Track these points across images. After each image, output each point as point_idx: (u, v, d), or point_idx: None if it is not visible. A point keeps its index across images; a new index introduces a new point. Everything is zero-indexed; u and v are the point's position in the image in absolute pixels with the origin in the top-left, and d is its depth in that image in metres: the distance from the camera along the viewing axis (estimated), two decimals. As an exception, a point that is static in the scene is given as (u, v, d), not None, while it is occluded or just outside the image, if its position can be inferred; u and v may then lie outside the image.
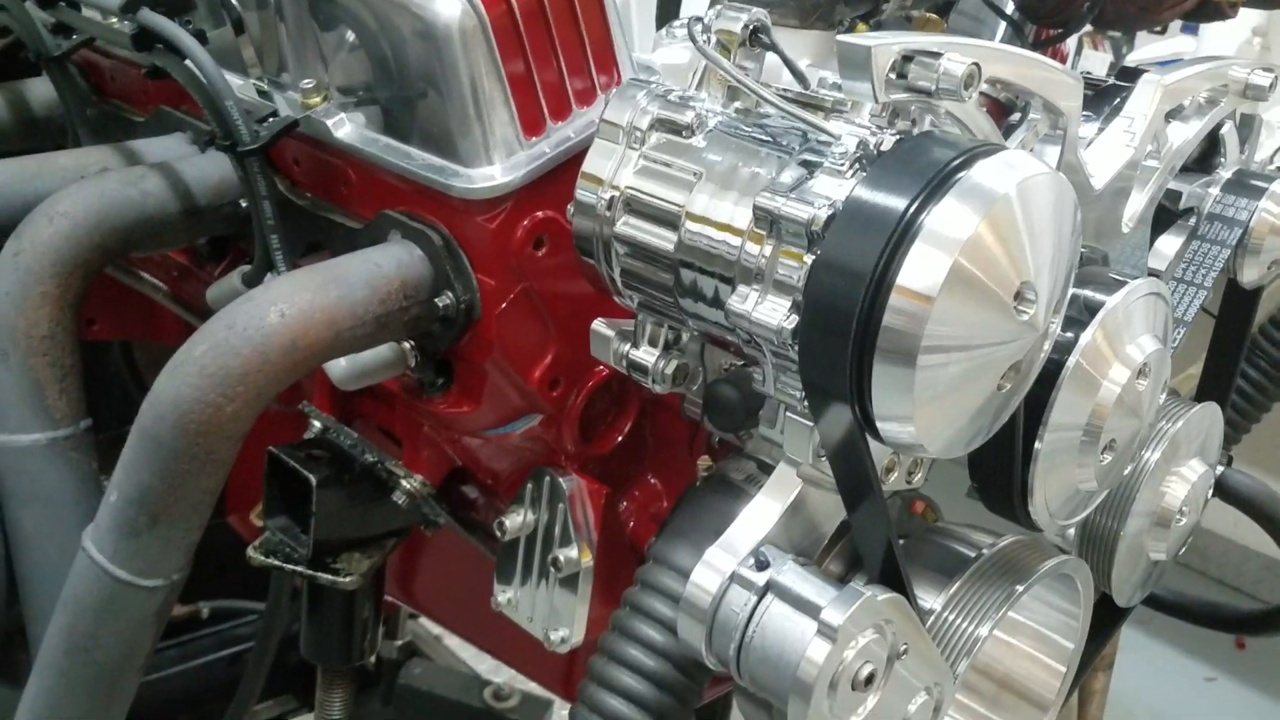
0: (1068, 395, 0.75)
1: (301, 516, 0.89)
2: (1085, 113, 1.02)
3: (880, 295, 0.58)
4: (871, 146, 0.61)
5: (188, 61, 0.80)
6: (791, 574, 0.65)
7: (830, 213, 0.60)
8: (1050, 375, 0.73)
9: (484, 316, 0.77)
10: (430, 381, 0.82)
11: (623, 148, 0.70)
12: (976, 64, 0.62)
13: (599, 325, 0.77)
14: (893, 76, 0.62)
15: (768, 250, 0.62)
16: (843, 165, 0.61)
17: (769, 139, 0.68)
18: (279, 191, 0.85)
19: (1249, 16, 2.88)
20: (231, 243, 0.98)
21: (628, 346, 0.76)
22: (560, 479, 0.86)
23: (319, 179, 0.85)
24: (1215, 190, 0.99)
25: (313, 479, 0.86)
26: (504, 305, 0.77)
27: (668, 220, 0.68)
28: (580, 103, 0.77)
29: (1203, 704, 2.85)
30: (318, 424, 0.95)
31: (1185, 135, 0.95)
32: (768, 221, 0.62)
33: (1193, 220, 0.99)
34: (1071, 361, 0.75)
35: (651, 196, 0.69)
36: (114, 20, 0.86)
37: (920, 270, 0.58)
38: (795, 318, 0.61)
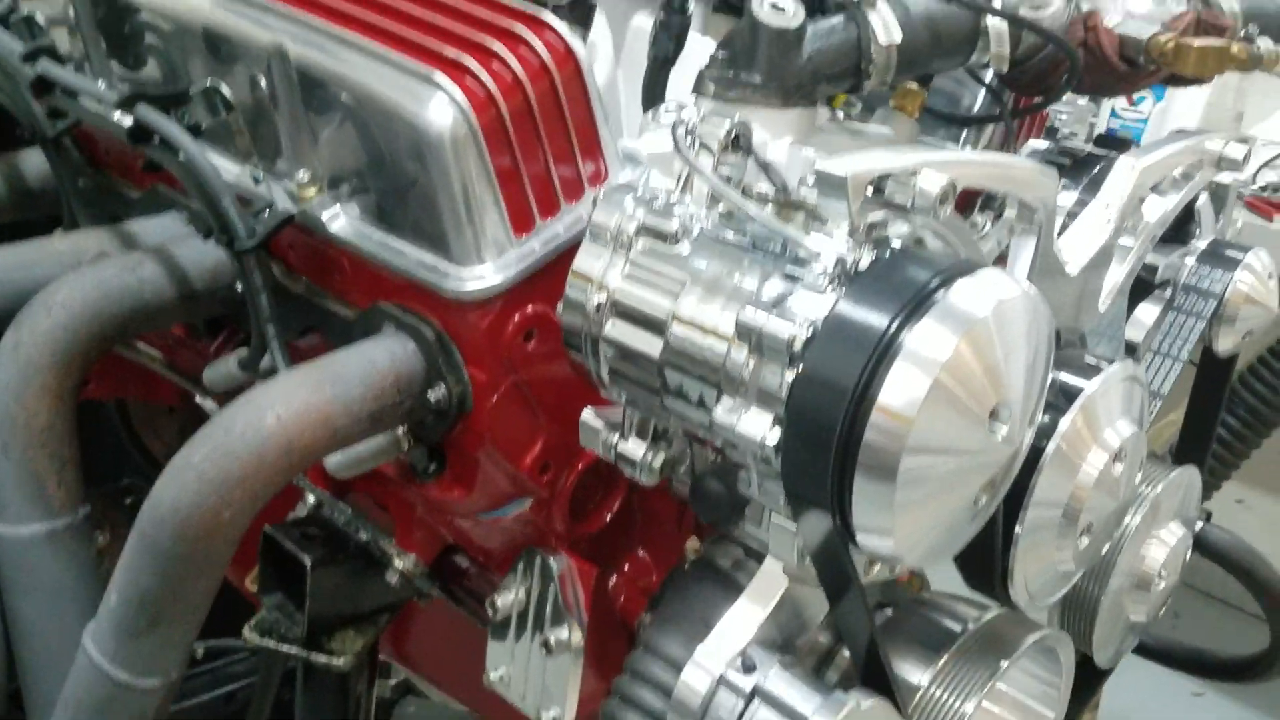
0: (1047, 480, 0.77)
1: (297, 594, 0.91)
2: (1064, 181, 1.04)
3: (862, 412, 0.60)
4: (849, 264, 0.63)
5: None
6: (778, 679, 0.67)
7: (810, 332, 0.62)
8: (1030, 461, 0.75)
9: (476, 409, 0.79)
10: (423, 468, 0.83)
11: (610, 251, 0.72)
12: (951, 182, 0.64)
13: (588, 416, 0.78)
14: (870, 194, 0.64)
15: (751, 363, 0.64)
16: (821, 283, 0.63)
17: (752, 245, 0.69)
18: (274, 278, 0.87)
19: None
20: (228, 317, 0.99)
21: (616, 437, 0.77)
22: (550, 559, 0.87)
23: (313, 266, 0.87)
24: (1191, 261, 1.01)
25: (307, 561, 0.88)
26: (495, 398, 0.79)
27: (654, 326, 0.70)
28: (569, 198, 0.79)
29: (1191, 719, 2.87)
30: (312, 498, 0.96)
31: (1162, 209, 0.97)
32: (750, 336, 0.64)
33: (1169, 291, 1.01)
34: (1051, 447, 0.77)
35: (638, 302, 0.71)
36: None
37: (901, 389, 0.59)
38: (778, 430, 0.63)
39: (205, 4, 0.86)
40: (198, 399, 1.13)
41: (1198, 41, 0.95)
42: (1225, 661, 1.35)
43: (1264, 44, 1.00)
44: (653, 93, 0.95)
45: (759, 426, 0.64)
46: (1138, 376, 0.84)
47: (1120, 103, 2.80)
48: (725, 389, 0.66)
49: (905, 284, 0.62)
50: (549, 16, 0.78)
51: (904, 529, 0.61)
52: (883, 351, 0.60)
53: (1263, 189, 2.58)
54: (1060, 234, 0.94)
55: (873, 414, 0.60)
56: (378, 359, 0.76)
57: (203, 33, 0.87)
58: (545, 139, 0.77)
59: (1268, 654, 1.29)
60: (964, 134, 1.12)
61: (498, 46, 0.75)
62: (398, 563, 0.90)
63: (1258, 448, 1.43)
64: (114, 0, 0.95)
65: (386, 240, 0.80)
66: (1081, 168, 1.05)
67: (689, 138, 0.73)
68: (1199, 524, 1.15)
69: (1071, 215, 0.98)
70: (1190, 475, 1.06)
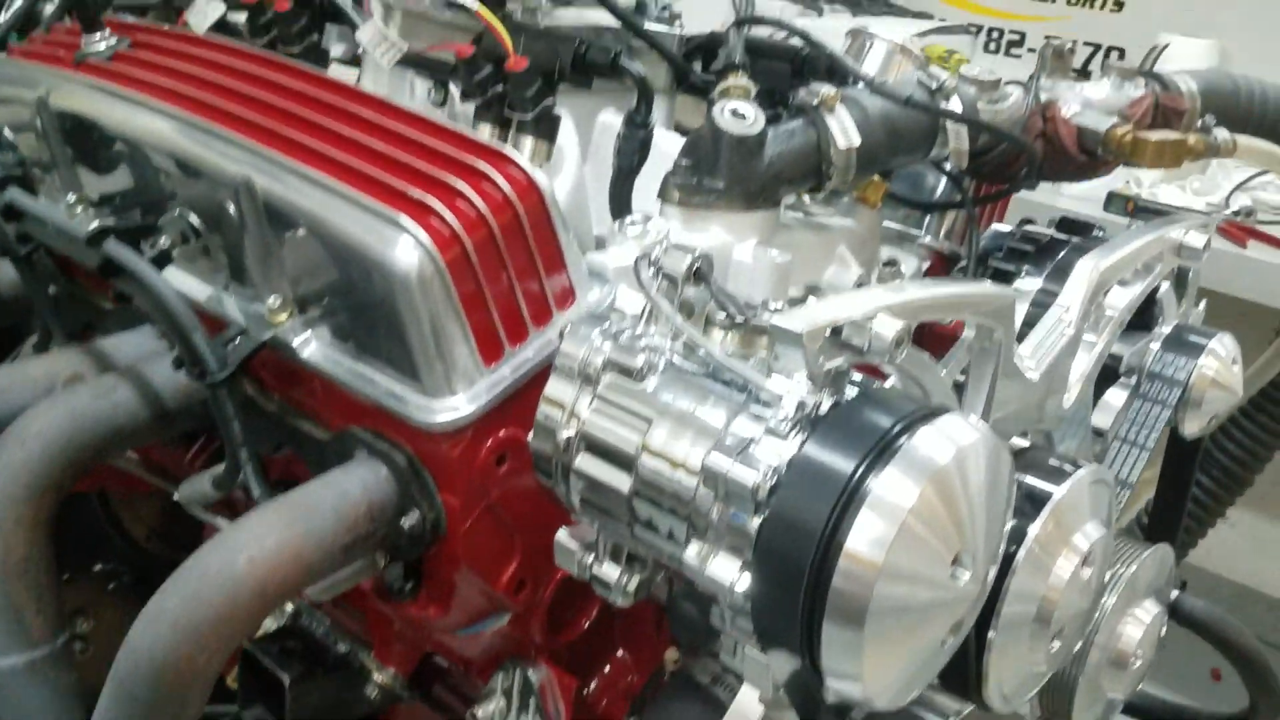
0: (1018, 586, 0.78)
1: (276, 708, 0.91)
2: (1027, 267, 1.06)
3: (830, 557, 0.61)
4: (809, 408, 0.64)
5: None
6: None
7: (774, 480, 0.63)
8: (1000, 568, 0.76)
9: (450, 534, 0.79)
10: (399, 587, 0.84)
11: (578, 384, 0.73)
12: (906, 326, 0.65)
13: (562, 537, 0.79)
14: (827, 339, 0.65)
15: (718, 507, 0.65)
16: (784, 428, 0.64)
17: (717, 379, 0.70)
18: (249, 397, 0.87)
19: (1199, 54, 2.95)
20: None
21: (591, 558, 0.78)
22: (530, 671, 0.88)
23: (286, 387, 0.87)
24: (1155, 348, 1.03)
25: (285, 679, 0.88)
26: (469, 523, 0.79)
27: (623, 461, 0.71)
28: (538, 322, 0.80)
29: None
30: (289, 605, 0.97)
31: (1125, 300, 0.98)
32: (715, 482, 0.64)
33: (1135, 379, 1.03)
34: (1021, 553, 0.78)
35: (606, 436, 0.71)
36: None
37: (868, 534, 0.60)
38: (748, 577, 0.64)
39: (178, 131, 0.87)
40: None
41: (1154, 135, 0.97)
42: (1209, 718, 1.36)
43: (1220, 134, 1.02)
44: (619, 203, 0.96)
45: (728, 572, 0.65)
46: (1104, 479, 0.85)
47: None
48: (694, 528, 0.67)
49: (868, 430, 0.63)
50: (510, 150, 0.79)
51: (873, 672, 0.62)
52: (849, 498, 0.61)
53: (1235, 214, 2.61)
54: (1024, 324, 0.96)
55: (840, 559, 0.61)
56: (350, 489, 0.77)
57: (172, 157, 0.87)
58: (511, 270, 0.77)
59: (1246, 714, 1.30)
60: (927, 219, 1.13)
61: (460, 184, 0.76)
62: (377, 676, 0.91)
63: (1231, 505, 1.45)
64: (83, 119, 0.96)
65: (357, 367, 0.80)
66: (1044, 254, 1.06)
67: (652, 268, 0.74)
68: (1174, 593, 1.16)
69: (1035, 304, 1.00)
70: (1163, 552, 1.07)
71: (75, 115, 0.96)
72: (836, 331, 0.66)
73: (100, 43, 1.01)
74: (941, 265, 1.12)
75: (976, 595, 0.65)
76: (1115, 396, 1.04)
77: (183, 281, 0.91)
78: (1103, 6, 3.40)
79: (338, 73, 1.16)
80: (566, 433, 0.73)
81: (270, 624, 0.99)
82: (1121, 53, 3.34)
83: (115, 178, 0.99)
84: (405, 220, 0.73)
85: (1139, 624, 1.02)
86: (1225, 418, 1.35)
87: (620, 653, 0.95)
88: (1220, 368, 1.02)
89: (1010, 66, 3.50)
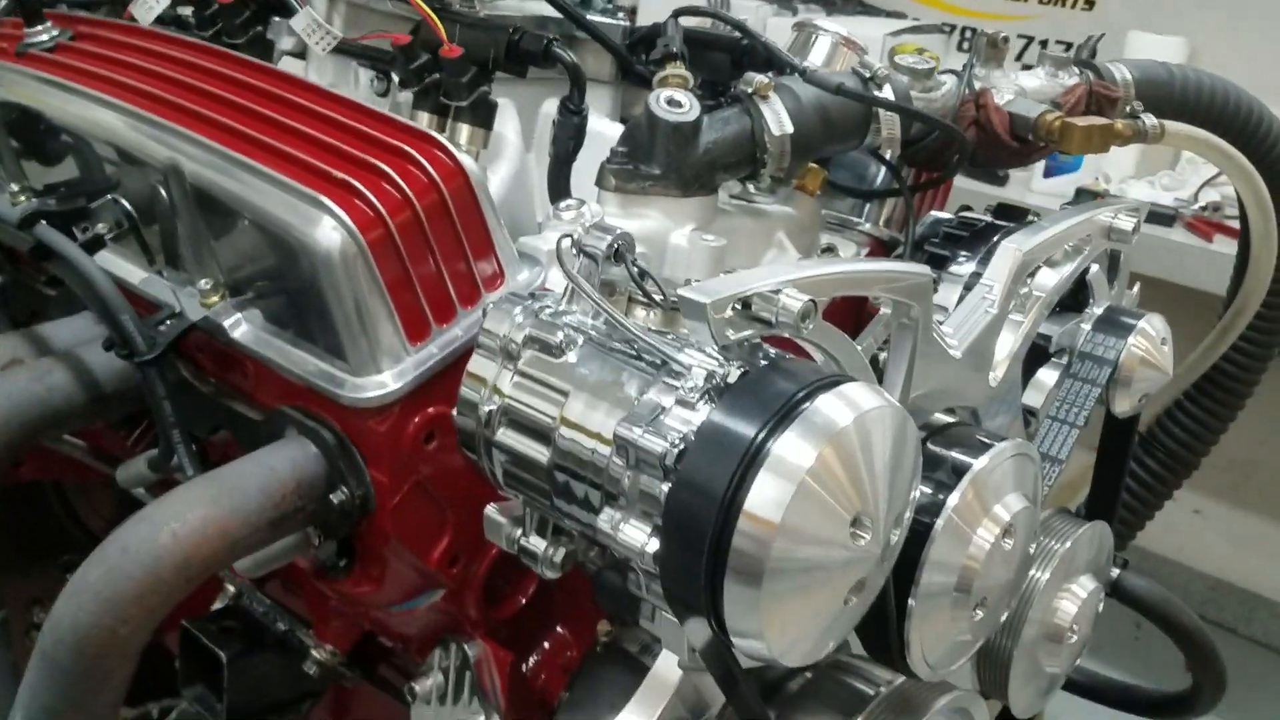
0: (938, 555, 0.79)
1: (216, 687, 0.92)
2: (963, 253, 1.08)
3: (730, 518, 0.62)
4: (719, 379, 0.66)
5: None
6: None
7: (681, 447, 0.64)
8: (920, 535, 0.77)
9: (379, 509, 0.81)
10: (333, 564, 0.85)
11: (500, 361, 0.74)
12: (813, 300, 0.66)
13: (491, 511, 0.80)
14: (737, 311, 0.66)
15: (628, 475, 0.67)
16: (693, 398, 0.65)
17: (635, 354, 0.72)
18: (184, 378, 0.88)
19: (1168, 51, 2.98)
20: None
21: (519, 532, 0.79)
22: (466, 646, 0.89)
23: (220, 369, 0.88)
24: (1086, 328, 1.04)
25: (223, 656, 0.89)
26: (398, 499, 0.80)
27: (542, 434, 0.72)
28: (465, 303, 0.81)
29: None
30: (231, 588, 0.98)
31: (1054, 281, 1.00)
32: (626, 451, 0.66)
33: (1066, 358, 1.05)
34: (941, 522, 0.79)
35: (526, 409, 0.73)
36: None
37: (766, 495, 0.62)
38: (656, 541, 0.65)
39: (110, 118, 0.88)
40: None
41: (1081, 121, 0.99)
42: (1151, 697, 1.38)
43: (1147, 119, 1.04)
44: (557, 188, 0.97)
45: (638, 536, 0.66)
46: (1028, 453, 0.87)
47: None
48: (609, 497, 0.68)
49: (772, 397, 0.64)
50: (442, 138, 0.80)
51: (774, 632, 0.63)
52: (749, 461, 0.63)
53: (1203, 209, 2.64)
54: (957, 305, 0.97)
55: (740, 520, 0.62)
56: (278, 466, 0.78)
57: (107, 144, 0.88)
58: (437, 251, 0.79)
59: (1190, 693, 1.32)
60: (866, 207, 1.15)
61: (385, 167, 0.77)
62: (316, 653, 0.92)
63: (1178, 487, 1.47)
64: (26, 110, 0.97)
65: (286, 348, 0.82)
66: (979, 239, 1.08)
67: (574, 249, 0.76)
68: (1116, 572, 1.18)
69: (967, 287, 1.01)
70: (1100, 530, 1.09)
71: (17, 106, 0.97)
72: (748, 305, 0.67)
73: (43, 34, 1.02)
74: (881, 251, 1.14)
75: (878, 557, 0.66)
76: (1048, 376, 1.06)
77: (119, 266, 0.92)
78: (1074, 5, 3.43)
79: (286, 65, 1.18)
80: (488, 407, 0.74)
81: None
82: (1093, 52, 3.38)
83: (61, 168, 1.00)
84: (328, 202, 0.75)
85: (1075, 599, 1.04)
86: (1159, 398, 1.37)
87: (559, 629, 0.96)
88: (1150, 347, 1.04)
89: (984, 65, 3.54)
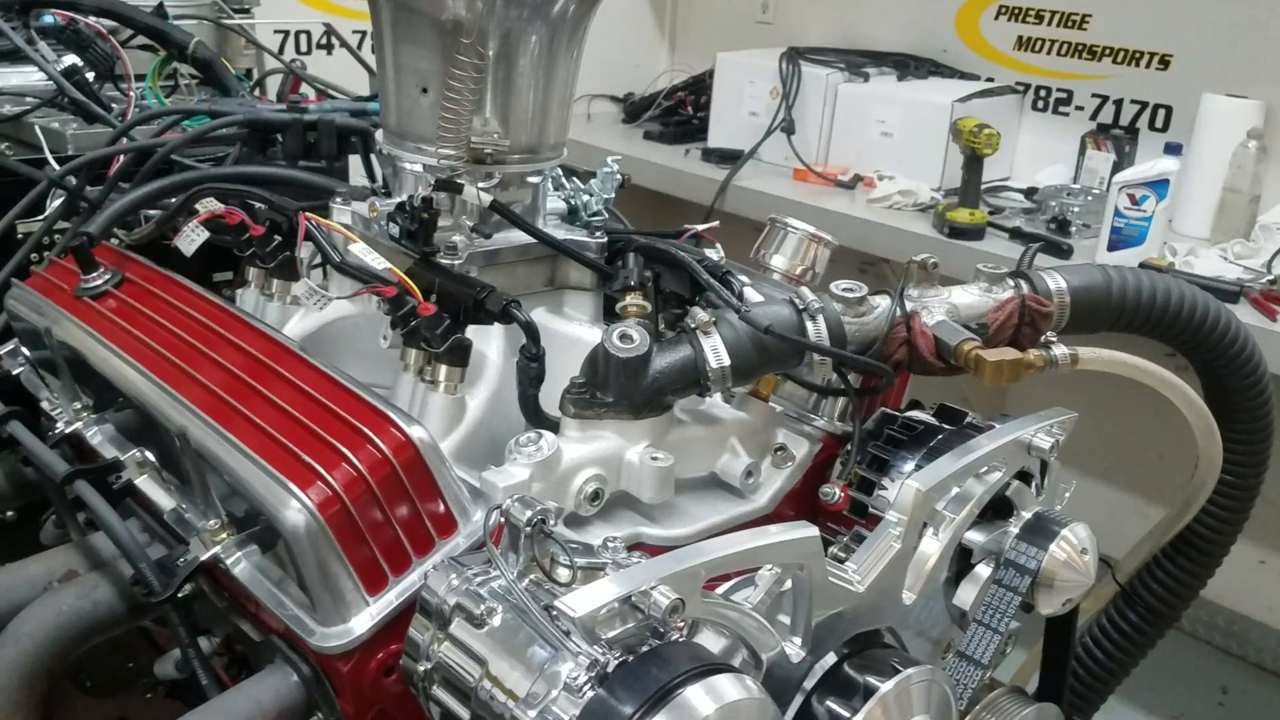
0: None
1: None
2: (903, 453, 1.17)
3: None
4: (601, 666, 0.78)
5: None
6: None
7: (568, 727, 0.77)
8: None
9: (349, 734, 0.95)
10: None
11: (434, 625, 0.88)
12: (679, 598, 0.78)
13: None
14: (614, 610, 0.78)
15: (525, 750, 0.79)
16: (577, 683, 0.78)
17: (538, 632, 0.84)
18: (204, 591, 1.05)
19: (1244, 114, 2.94)
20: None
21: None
22: None
23: (230, 593, 1.04)
24: (1013, 534, 1.12)
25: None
26: (363, 725, 0.95)
27: (464, 695, 0.85)
28: (419, 552, 0.95)
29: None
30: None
31: (973, 499, 1.08)
32: (520, 731, 0.79)
33: (992, 564, 1.12)
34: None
35: (451, 670, 0.86)
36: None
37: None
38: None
39: (137, 380, 1.06)
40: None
41: (992, 355, 1.07)
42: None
43: (1058, 350, 1.12)
44: (528, 413, 1.11)
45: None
46: (936, 678, 0.97)
47: (1124, 201, 2.88)
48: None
49: (645, 686, 0.77)
50: (393, 412, 0.95)
51: None
52: (621, 746, 0.75)
53: (1272, 282, 2.60)
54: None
55: (610, 800, 0.74)
56: (263, 699, 0.93)
57: (136, 400, 1.06)
58: (391, 514, 0.93)
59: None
60: (822, 404, 1.25)
61: (343, 449, 0.92)
62: None
63: (1160, 639, 1.51)
64: (78, 352, 1.16)
65: (274, 590, 0.97)
66: (919, 440, 1.17)
67: (501, 517, 0.89)
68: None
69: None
70: (1049, 712, 1.17)
71: (71, 348, 1.16)
72: (628, 601, 0.79)
73: (96, 279, 1.21)
74: (835, 446, 1.23)
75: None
76: (981, 574, 1.14)
77: (153, 492, 1.10)
78: (1149, 65, 3.41)
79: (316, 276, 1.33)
80: (423, 666, 0.88)
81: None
82: (1168, 110, 3.35)
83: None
84: (294, 487, 0.90)
85: (1023, 779, 1.12)
86: (1134, 555, 1.43)
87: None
88: (1072, 553, 1.10)
89: (1059, 124, 3.55)
